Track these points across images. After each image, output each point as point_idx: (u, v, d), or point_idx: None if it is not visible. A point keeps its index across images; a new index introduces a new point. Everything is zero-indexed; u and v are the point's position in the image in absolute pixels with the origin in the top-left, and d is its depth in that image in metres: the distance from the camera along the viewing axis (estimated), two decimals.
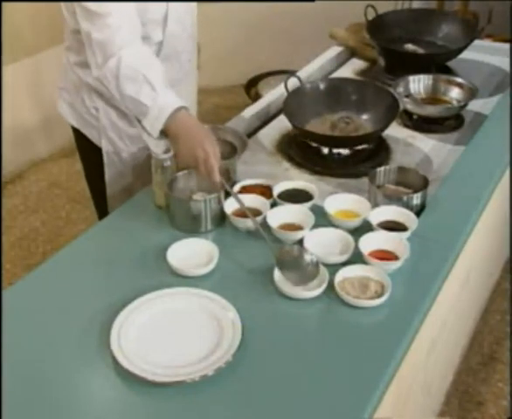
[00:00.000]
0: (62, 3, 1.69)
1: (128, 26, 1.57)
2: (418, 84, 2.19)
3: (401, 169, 1.70)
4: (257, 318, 1.29)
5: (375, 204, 1.57)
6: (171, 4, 1.69)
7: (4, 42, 3.17)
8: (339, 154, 1.87)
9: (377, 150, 1.90)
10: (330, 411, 1.13)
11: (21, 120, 3.46)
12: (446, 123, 2.06)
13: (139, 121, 1.59)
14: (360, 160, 1.86)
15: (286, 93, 2.01)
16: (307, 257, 1.40)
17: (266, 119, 2.12)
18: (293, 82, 2.05)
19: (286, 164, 1.87)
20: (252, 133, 2.04)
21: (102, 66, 1.55)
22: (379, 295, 1.33)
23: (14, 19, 3.23)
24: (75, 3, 1.58)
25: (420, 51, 2.44)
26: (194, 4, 1.83)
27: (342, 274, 1.37)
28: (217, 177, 1.50)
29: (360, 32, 2.58)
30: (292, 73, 2.10)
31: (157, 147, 1.57)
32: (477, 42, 2.41)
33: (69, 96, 1.85)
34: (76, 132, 1.90)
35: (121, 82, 1.53)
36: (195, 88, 1.99)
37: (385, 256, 1.43)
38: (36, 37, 3.40)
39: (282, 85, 2.08)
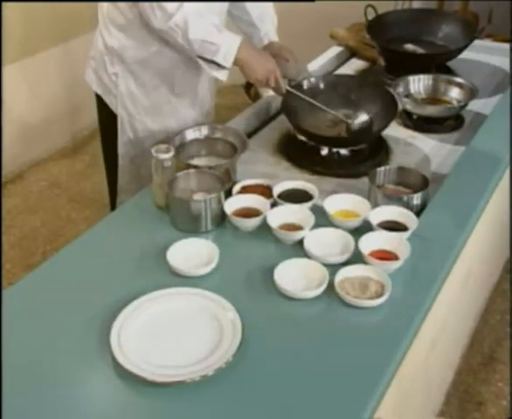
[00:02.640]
0: None
1: None
2: (418, 84, 2.19)
3: (401, 169, 1.70)
4: (257, 318, 1.29)
5: (375, 204, 1.57)
6: None
7: (4, 42, 3.16)
8: (339, 154, 1.87)
9: (377, 150, 1.90)
10: (330, 411, 1.13)
11: (21, 120, 3.46)
12: (446, 123, 2.06)
13: (204, 60, 1.78)
14: (360, 160, 1.86)
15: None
16: None
17: (266, 119, 2.12)
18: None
19: (286, 164, 1.87)
20: (252, 133, 2.04)
21: (167, 20, 1.71)
22: (379, 295, 1.33)
23: (14, 19, 3.23)
24: None
25: (420, 51, 2.44)
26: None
27: (342, 274, 1.37)
28: (284, 85, 1.89)
29: (360, 32, 2.58)
30: None
31: (225, 76, 1.83)
32: (477, 42, 2.41)
33: (95, 63, 1.94)
34: (98, 100, 1.99)
35: (190, 31, 1.71)
36: (210, 85, 2.06)
37: (385, 256, 1.43)
38: (36, 38, 3.40)
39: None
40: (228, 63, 1.78)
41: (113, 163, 2.03)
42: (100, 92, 1.96)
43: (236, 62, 1.79)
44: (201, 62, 1.79)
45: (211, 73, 1.82)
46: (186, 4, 1.70)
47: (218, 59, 1.76)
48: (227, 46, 1.75)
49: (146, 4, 1.72)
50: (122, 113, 1.94)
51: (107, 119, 1.98)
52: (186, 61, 1.87)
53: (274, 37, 2.03)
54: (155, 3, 1.70)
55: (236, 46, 1.76)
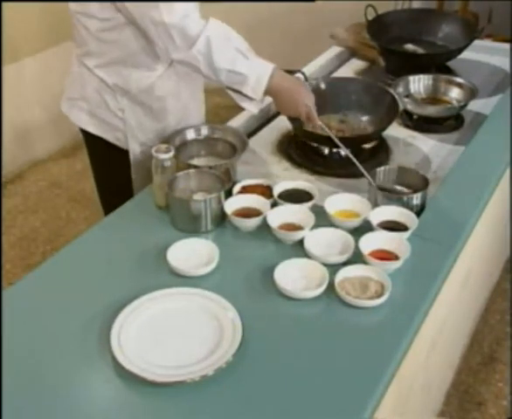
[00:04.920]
0: (79, 8, 1.69)
1: (191, 4, 1.61)
2: (418, 84, 2.19)
3: (401, 169, 1.70)
4: (257, 318, 1.29)
5: (375, 204, 1.57)
6: None
7: (5, 41, 3.16)
8: (339, 154, 1.87)
9: (377, 150, 1.90)
10: (330, 411, 1.13)
11: (21, 120, 3.46)
12: (446, 123, 2.06)
13: (234, 90, 1.68)
14: (360, 160, 1.86)
15: None
16: None
17: (266, 119, 2.12)
18: None
19: (286, 164, 1.88)
20: (252, 133, 2.04)
21: (189, 48, 1.59)
22: (379, 295, 1.33)
23: (15, 19, 3.23)
24: None
25: (420, 51, 2.44)
26: None
27: (342, 274, 1.37)
28: (319, 122, 1.72)
29: (360, 32, 2.58)
30: (294, 72, 2.09)
31: (256, 109, 1.73)
32: (477, 42, 2.41)
33: (88, 104, 1.82)
34: (93, 140, 1.87)
35: (214, 59, 1.60)
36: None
37: (385, 256, 1.43)
38: (36, 37, 3.40)
39: None
40: (258, 96, 1.66)
41: (113, 194, 1.93)
42: (98, 133, 1.84)
43: (267, 92, 1.67)
44: (231, 93, 1.70)
45: (241, 104, 1.72)
46: (210, 23, 1.59)
47: (247, 91, 1.65)
48: (256, 77, 1.63)
49: (162, 33, 1.58)
50: (134, 147, 1.84)
51: (108, 156, 1.88)
52: (188, 76, 1.81)
53: None
54: (175, 31, 1.56)
55: (267, 77, 1.63)
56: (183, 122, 1.89)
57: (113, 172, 1.94)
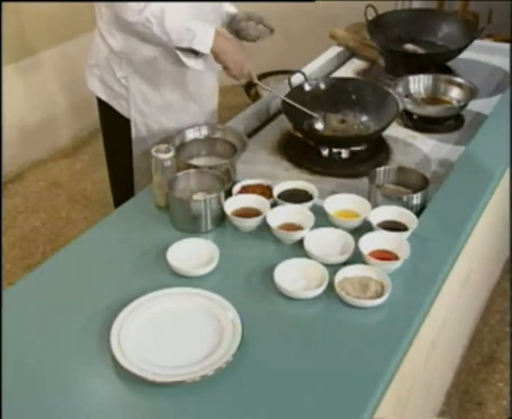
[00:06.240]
0: None
1: None
2: (418, 84, 2.19)
3: (401, 169, 1.70)
4: (257, 318, 1.29)
5: (375, 204, 1.57)
6: None
7: (5, 42, 3.16)
8: (339, 154, 1.87)
9: (377, 150, 1.90)
10: (330, 411, 1.13)
11: (21, 120, 3.46)
12: (446, 123, 2.06)
13: (182, 49, 1.77)
14: (360, 160, 1.86)
15: (287, 92, 2.01)
16: None
17: (266, 119, 2.12)
18: (297, 79, 2.04)
19: (286, 164, 1.88)
20: (252, 133, 2.04)
21: (142, 11, 1.70)
22: (379, 295, 1.33)
23: (15, 20, 3.23)
24: None
25: (420, 51, 2.44)
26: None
27: (342, 274, 1.37)
28: (256, 79, 1.87)
29: (360, 32, 2.58)
30: (294, 72, 2.09)
31: (202, 65, 1.84)
32: (477, 42, 2.41)
33: (99, 71, 1.92)
34: (103, 107, 1.97)
35: (167, 19, 1.71)
36: (216, 76, 2.05)
37: (385, 256, 1.43)
38: (36, 38, 3.40)
39: (282, 85, 2.07)
40: (206, 49, 1.76)
41: (117, 166, 2.03)
42: (106, 99, 1.94)
43: (213, 50, 1.77)
44: (179, 53, 1.79)
45: (189, 64, 1.81)
46: (155, 4, 1.69)
47: (196, 46, 1.76)
48: (204, 33, 1.75)
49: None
50: (136, 116, 1.92)
51: (114, 124, 1.96)
52: None
53: (232, 9, 2.02)
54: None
55: (212, 33, 1.75)
56: (190, 104, 1.95)
57: (114, 140, 2.00)
